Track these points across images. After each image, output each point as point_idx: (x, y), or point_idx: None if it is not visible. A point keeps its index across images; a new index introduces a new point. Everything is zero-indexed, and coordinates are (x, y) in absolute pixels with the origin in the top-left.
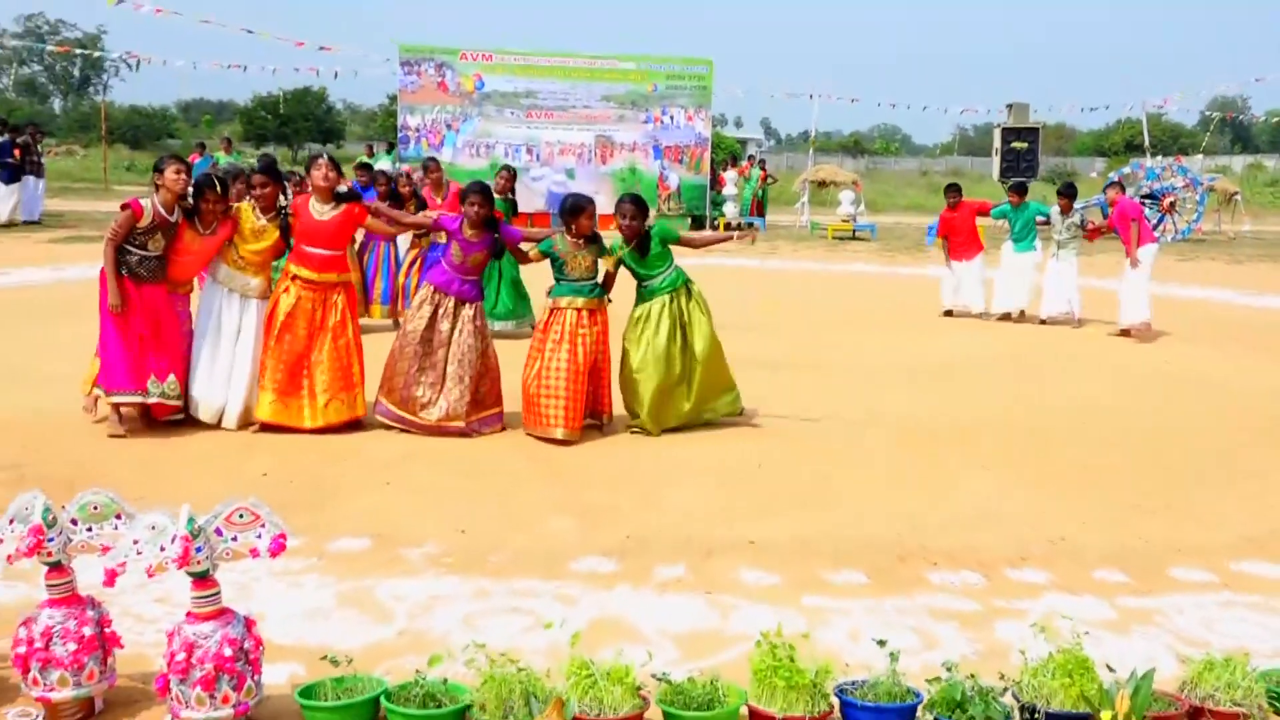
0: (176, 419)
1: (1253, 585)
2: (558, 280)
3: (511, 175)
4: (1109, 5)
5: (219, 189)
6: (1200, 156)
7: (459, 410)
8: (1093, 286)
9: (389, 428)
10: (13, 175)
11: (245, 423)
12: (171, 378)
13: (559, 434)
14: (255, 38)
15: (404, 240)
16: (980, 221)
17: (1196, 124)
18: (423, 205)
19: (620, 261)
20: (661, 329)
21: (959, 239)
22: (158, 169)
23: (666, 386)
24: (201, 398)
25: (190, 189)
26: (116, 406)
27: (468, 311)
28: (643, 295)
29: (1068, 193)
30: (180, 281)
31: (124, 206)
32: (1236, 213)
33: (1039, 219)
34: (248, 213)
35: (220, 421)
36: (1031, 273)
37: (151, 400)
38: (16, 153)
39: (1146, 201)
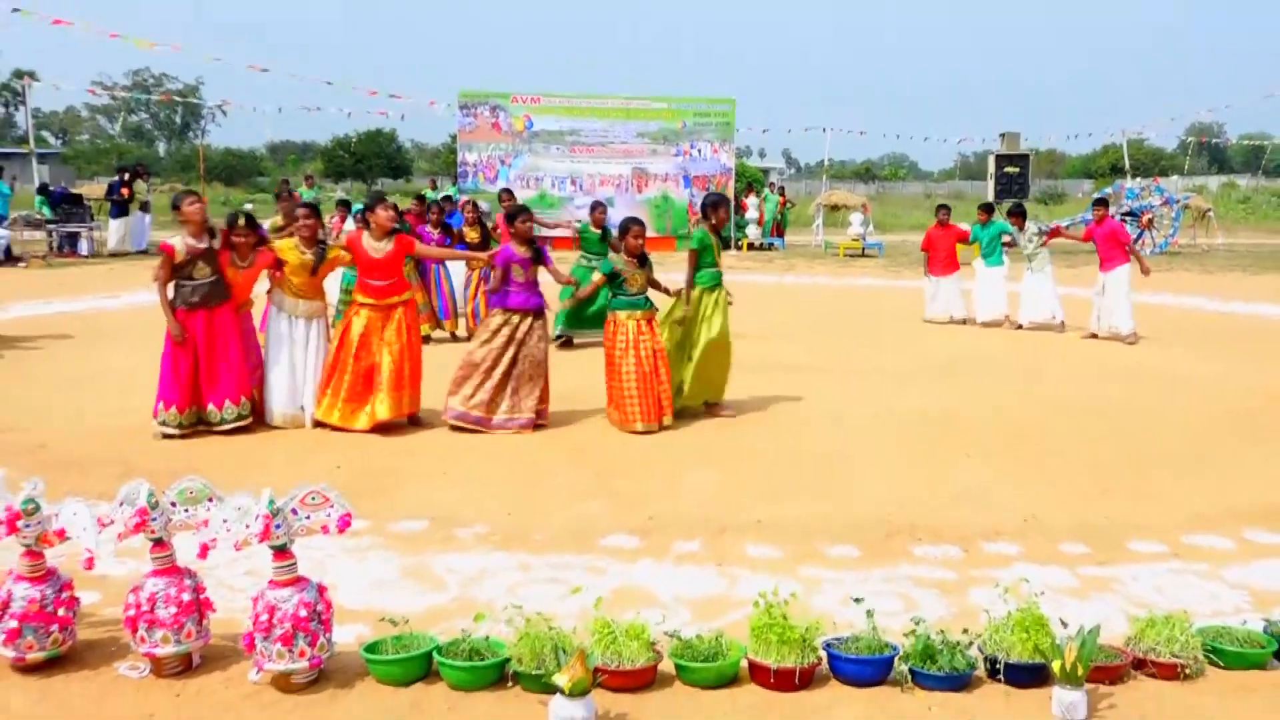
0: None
1: (1201, 555)
2: (617, 295)
3: (604, 210)
4: (1095, 42)
5: (247, 224)
6: (1177, 177)
7: (530, 405)
8: (1075, 295)
9: (463, 430)
10: (122, 210)
11: (317, 423)
12: (228, 403)
13: (639, 427)
14: (333, 85)
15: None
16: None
17: (1176, 148)
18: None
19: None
20: (722, 311)
21: (939, 255)
22: (175, 206)
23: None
24: (280, 409)
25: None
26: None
27: (538, 322)
28: (704, 279)
29: (1018, 211)
30: (238, 305)
31: (159, 250)
32: (1210, 227)
33: (1005, 236)
34: (291, 250)
35: (296, 424)
36: (1003, 282)
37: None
38: (124, 191)
39: (1127, 219)
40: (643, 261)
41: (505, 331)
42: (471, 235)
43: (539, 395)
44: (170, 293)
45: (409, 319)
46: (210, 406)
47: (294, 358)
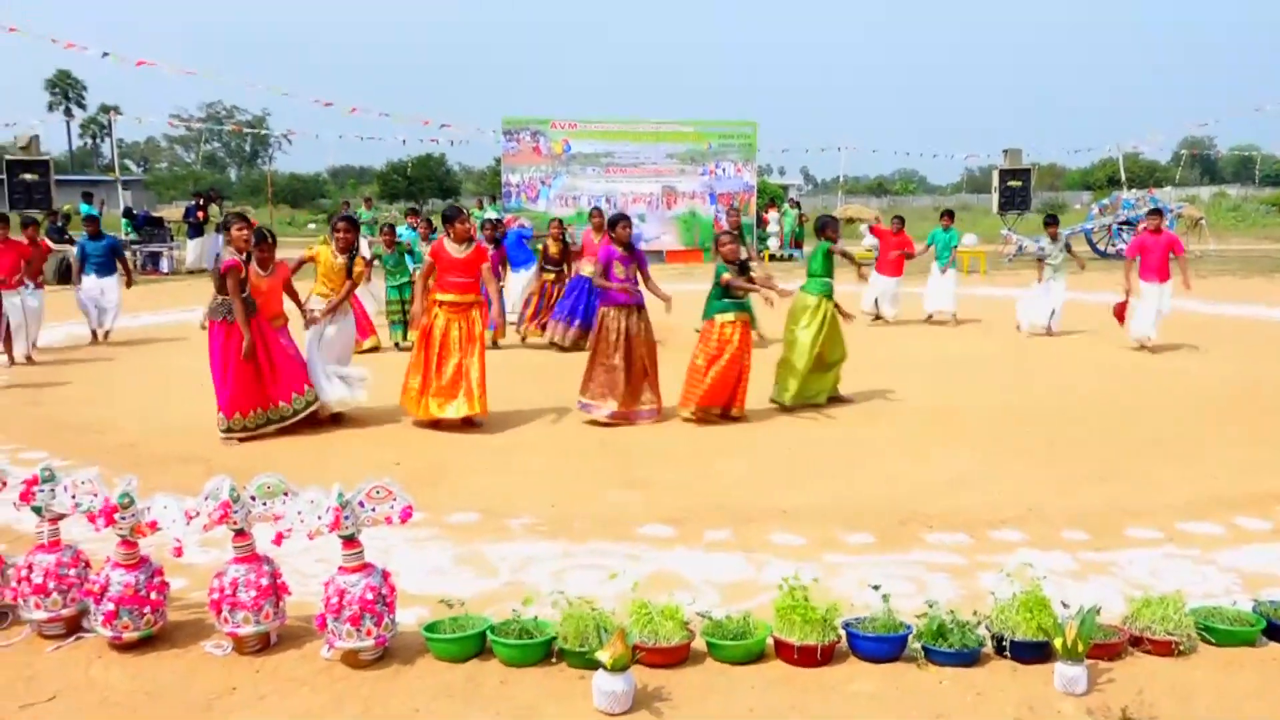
0: (298, 420)
1: (1193, 541)
2: (722, 299)
3: (738, 214)
4: (1092, 61)
5: (269, 240)
6: (1170, 188)
7: (657, 393)
8: (1080, 301)
9: (603, 423)
10: (198, 231)
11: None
12: (282, 404)
13: (686, 414)
14: (389, 114)
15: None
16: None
17: (1170, 160)
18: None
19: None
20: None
21: (885, 257)
22: (226, 228)
23: None
24: (331, 396)
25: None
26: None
27: (643, 315)
28: (821, 287)
29: (1054, 221)
30: (271, 316)
31: (229, 268)
32: (1202, 235)
33: (961, 245)
34: (326, 253)
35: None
36: (953, 285)
37: (266, 428)
38: (200, 214)
39: (1124, 227)
40: (742, 269)
41: (619, 328)
42: (554, 249)
43: (656, 383)
44: (217, 308)
45: (483, 322)
46: (281, 403)
47: (322, 351)
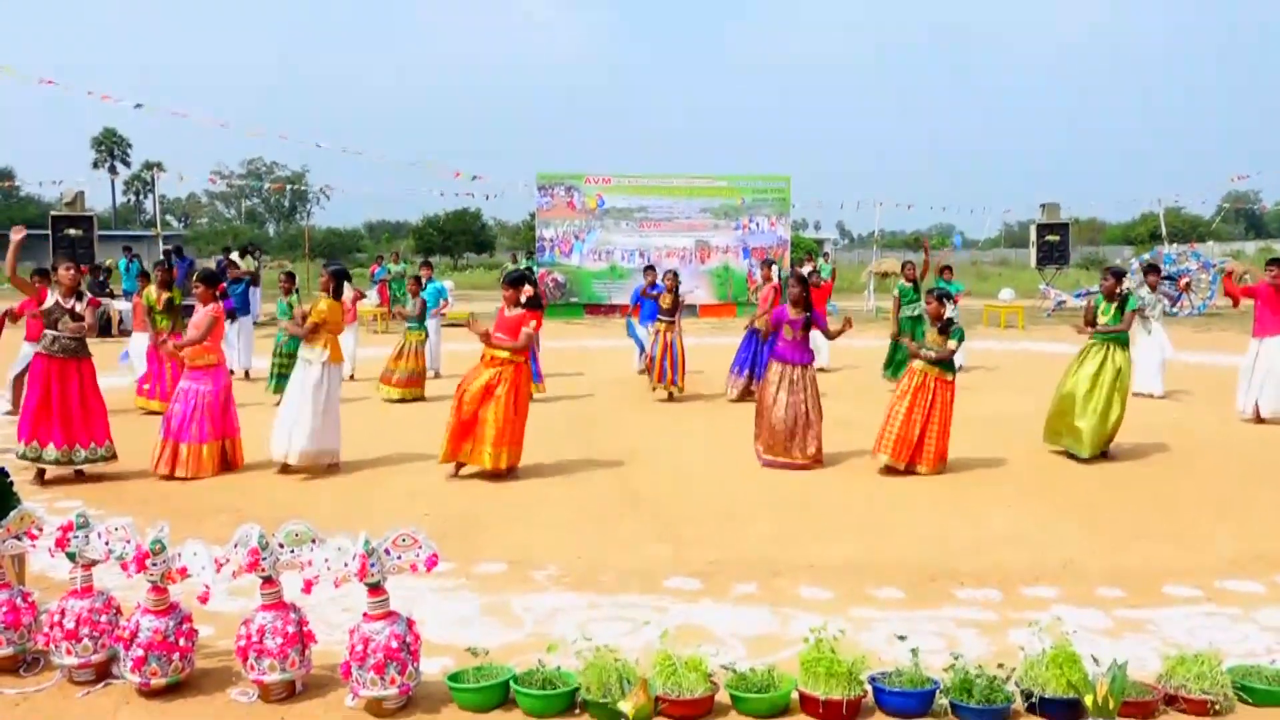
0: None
1: (1233, 599)
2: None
3: (913, 268)
4: (1133, 115)
5: (209, 282)
6: (1213, 243)
7: (820, 443)
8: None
9: (772, 465)
10: (235, 282)
11: (307, 463)
12: (79, 447)
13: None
14: (423, 169)
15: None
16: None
17: (1213, 214)
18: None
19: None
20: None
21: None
22: (53, 269)
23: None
24: (274, 442)
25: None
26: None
27: (809, 373)
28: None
29: (1154, 270)
30: (197, 356)
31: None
32: None
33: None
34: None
35: (286, 460)
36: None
37: (47, 464)
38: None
39: (1165, 282)
40: (945, 327)
41: (782, 381)
42: (666, 301)
43: (817, 436)
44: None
45: (518, 380)
46: (78, 446)
47: (292, 399)
